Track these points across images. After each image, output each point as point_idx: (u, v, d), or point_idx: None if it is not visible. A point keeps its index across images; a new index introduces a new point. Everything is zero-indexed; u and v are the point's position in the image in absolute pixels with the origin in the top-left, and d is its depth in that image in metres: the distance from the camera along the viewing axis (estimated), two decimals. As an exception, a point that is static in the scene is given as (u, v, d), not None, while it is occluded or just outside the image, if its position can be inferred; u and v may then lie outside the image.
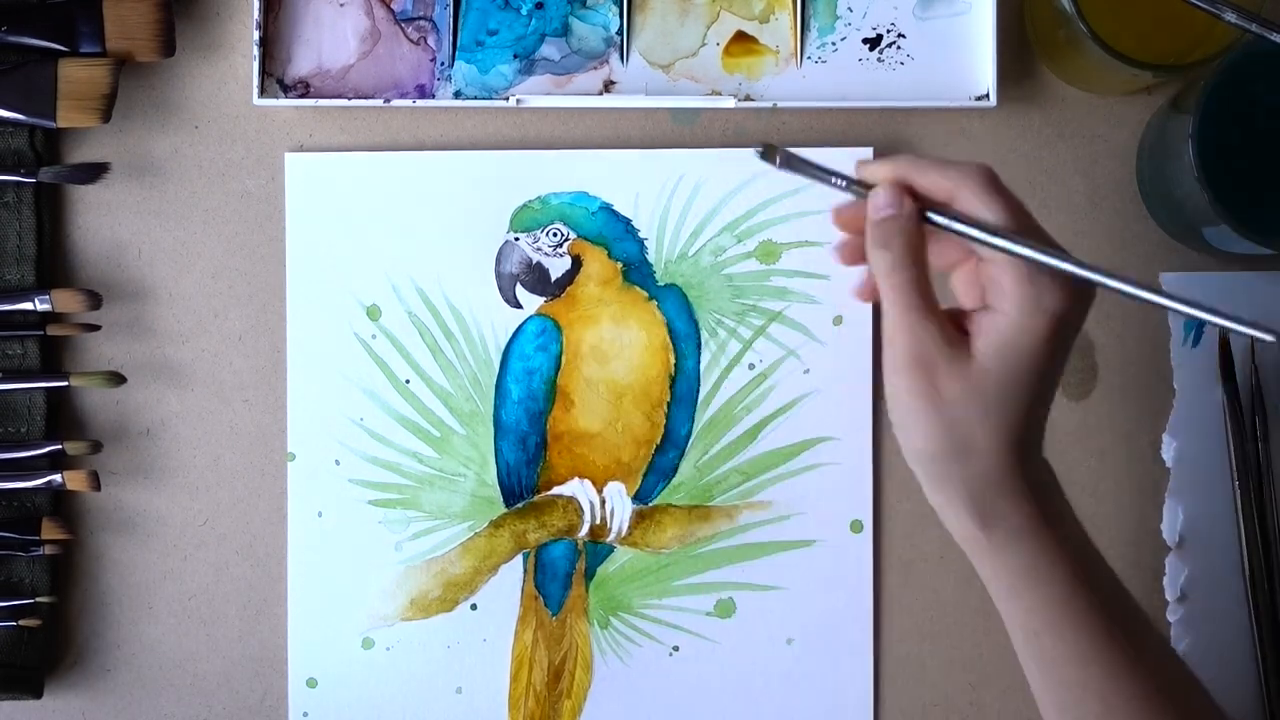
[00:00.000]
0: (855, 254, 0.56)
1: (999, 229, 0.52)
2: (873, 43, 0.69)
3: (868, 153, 0.68)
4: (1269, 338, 0.49)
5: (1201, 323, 0.69)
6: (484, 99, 0.68)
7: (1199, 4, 0.61)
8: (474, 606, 0.68)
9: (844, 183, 0.54)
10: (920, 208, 0.53)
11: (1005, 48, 0.68)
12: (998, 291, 0.52)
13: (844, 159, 0.68)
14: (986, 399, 0.52)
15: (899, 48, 0.69)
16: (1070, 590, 0.53)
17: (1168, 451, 0.69)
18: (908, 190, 0.53)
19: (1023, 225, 0.52)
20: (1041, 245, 0.52)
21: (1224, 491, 0.69)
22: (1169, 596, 0.69)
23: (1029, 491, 0.53)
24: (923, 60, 0.69)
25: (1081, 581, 0.54)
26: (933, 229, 0.53)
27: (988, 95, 0.68)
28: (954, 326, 0.53)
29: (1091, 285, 0.51)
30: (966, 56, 0.69)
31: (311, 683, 0.68)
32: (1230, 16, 0.60)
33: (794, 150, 0.53)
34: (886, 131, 0.69)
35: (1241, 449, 0.68)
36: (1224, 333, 0.69)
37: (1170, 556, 0.69)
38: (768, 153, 0.53)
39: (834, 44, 0.69)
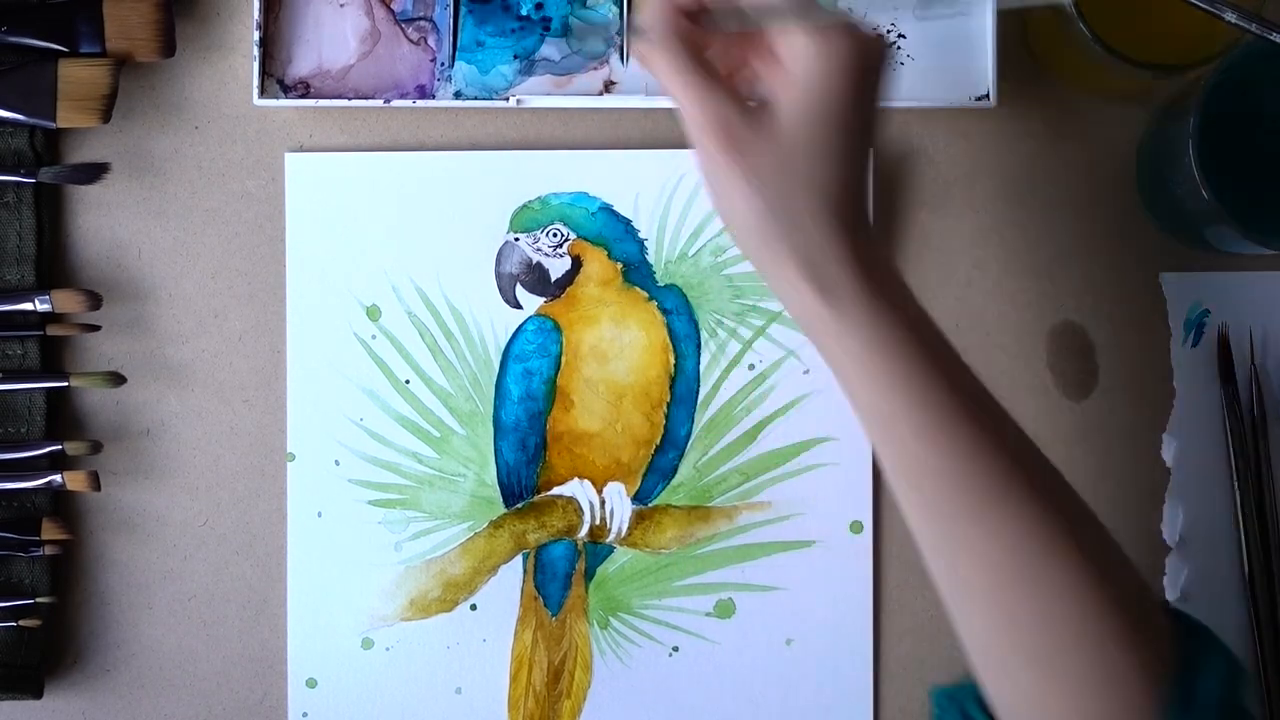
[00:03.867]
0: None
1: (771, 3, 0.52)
2: (873, 43, 0.69)
3: (867, 153, 0.68)
4: None
5: (1201, 323, 0.69)
6: (484, 99, 0.68)
7: (1199, 4, 0.60)
8: (474, 607, 0.68)
9: None
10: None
11: (1005, 48, 0.68)
12: (789, 50, 0.51)
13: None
14: (797, 163, 0.51)
15: (899, 48, 0.69)
16: (926, 366, 0.51)
17: (1168, 451, 0.69)
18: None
19: None
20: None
21: (1224, 491, 0.69)
22: (1169, 597, 0.69)
23: (862, 260, 0.51)
24: (923, 60, 0.69)
25: (935, 358, 0.52)
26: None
27: (988, 95, 0.68)
28: (746, 93, 0.52)
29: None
30: (966, 56, 0.69)
31: (311, 683, 0.68)
32: (1230, 16, 0.60)
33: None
34: (886, 132, 0.69)
35: (1241, 449, 0.68)
36: (1223, 333, 0.69)
37: (1170, 556, 0.69)
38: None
39: (834, 44, 0.69)
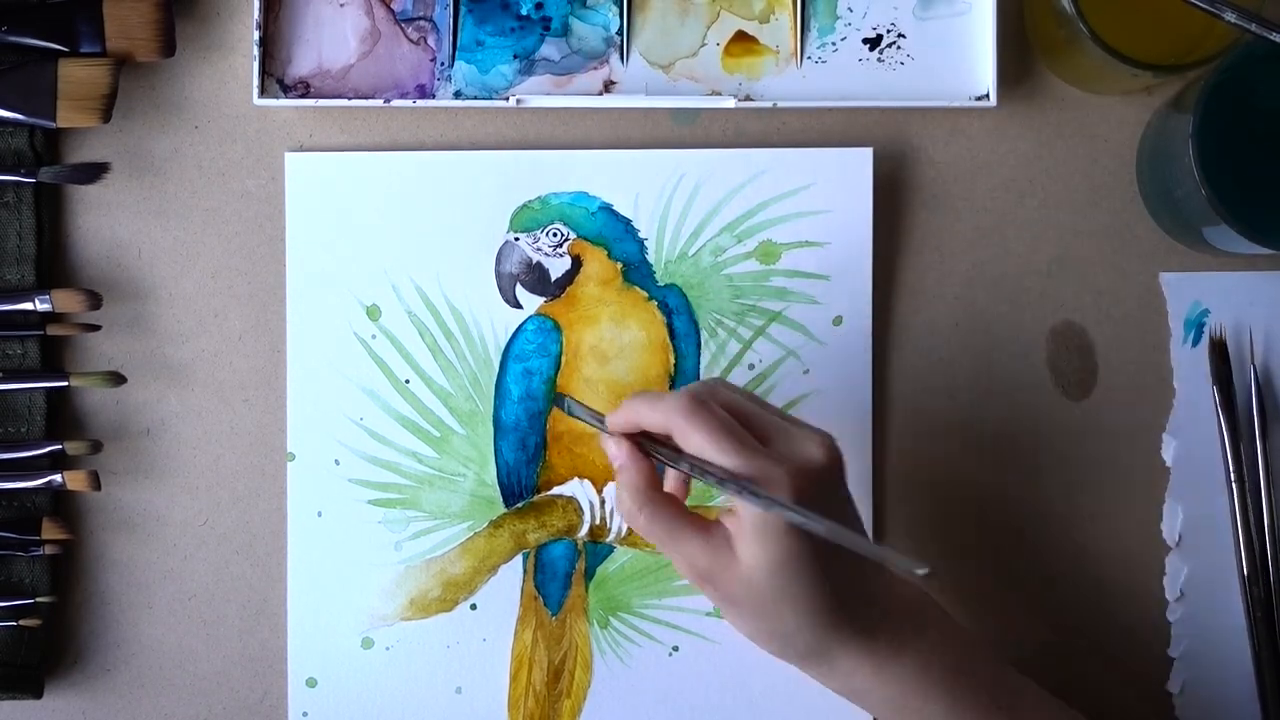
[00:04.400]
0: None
1: (694, 459, 0.55)
2: (873, 43, 0.69)
3: (867, 153, 0.68)
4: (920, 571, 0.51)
5: (1201, 323, 0.69)
6: (484, 99, 0.68)
7: (1199, 4, 0.61)
8: (474, 606, 0.68)
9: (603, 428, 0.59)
10: (640, 449, 0.58)
11: (1005, 48, 0.68)
12: (735, 500, 0.55)
13: (843, 159, 0.68)
14: (766, 597, 0.55)
15: (899, 48, 0.69)
16: (945, 709, 0.58)
17: (1168, 451, 0.69)
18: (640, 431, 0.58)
19: (734, 441, 0.55)
20: (740, 479, 0.54)
21: (1224, 491, 0.69)
22: (1169, 596, 0.69)
23: (863, 638, 0.57)
24: (923, 60, 0.69)
25: (955, 698, 0.58)
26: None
27: (988, 95, 0.68)
28: (719, 531, 0.56)
29: (770, 508, 0.54)
30: (966, 56, 0.69)
31: (311, 682, 0.68)
32: (1230, 16, 0.60)
33: (574, 402, 0.61)
34: (886, 131, 0.69)
35: (1236, 448, 0.68)
36: (1218, 335, 0.69)
37: (1170, 556, 0.69)
38: (558, 400, 0.62)
39: (834, 44, 0.69)
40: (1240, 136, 0.63)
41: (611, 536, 0.69)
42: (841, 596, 0.56)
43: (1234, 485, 0.68)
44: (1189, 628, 0.69)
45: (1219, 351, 0.69)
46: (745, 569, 0.55)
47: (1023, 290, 0.70)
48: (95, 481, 0.66)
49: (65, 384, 0.67)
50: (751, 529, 0.55)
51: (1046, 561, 0.69)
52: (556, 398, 0.64)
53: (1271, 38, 0.60)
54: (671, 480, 0.61)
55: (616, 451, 0.58)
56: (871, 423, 0.68)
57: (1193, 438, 0.69)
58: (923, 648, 0.58)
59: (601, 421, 0.59)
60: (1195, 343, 0.69)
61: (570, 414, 0.62)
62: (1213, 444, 0.69)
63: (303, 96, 0.68)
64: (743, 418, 0.57)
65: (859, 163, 0.68)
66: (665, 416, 0.56)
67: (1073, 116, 0.70)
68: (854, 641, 0.57)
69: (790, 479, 0.54)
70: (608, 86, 0.69)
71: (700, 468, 0.55)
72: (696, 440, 0.55)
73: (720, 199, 0.68)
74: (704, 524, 0.57)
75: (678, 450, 0.57)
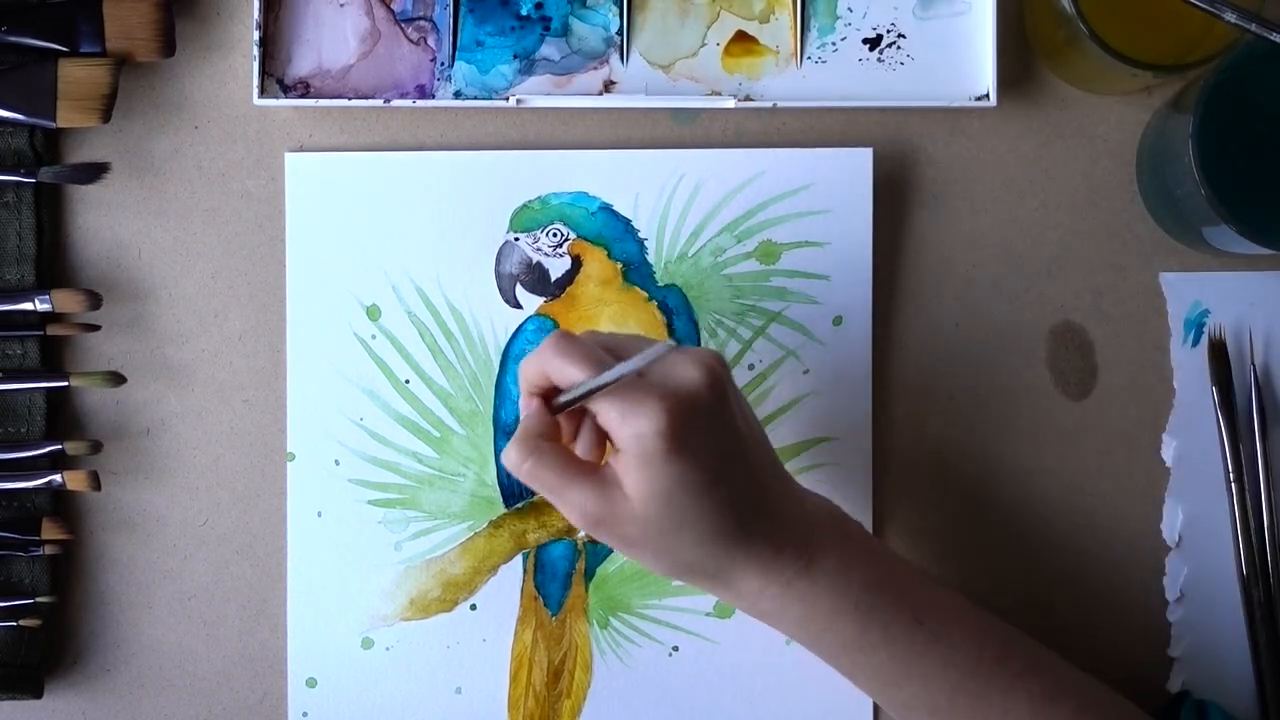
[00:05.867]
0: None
1: (577, 383, 0.55)
2: (873, 43, 0.69)
3: (868, 153, 0.68)
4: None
5: (1201, 323, 0.69)
6: (484, 99, 0.68)
7: (1199, 4, 0.61)
8: (474, 606, 0.68)
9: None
10: (546, 404, 0.57)
11: (1005, 48, 0.68)
12: (615, 435, 0.55)
13: (844, 159, 0.68)
14: (662, 527, 0.55)
15: (899, 48, 0.69)
16: (859, 626, 0.57)
17: (1168, 451, 0.69)
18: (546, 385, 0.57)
19: (600, 360, 0.55)
20: (616, 364, 0.54)
21: (1224, 491, 0.69)
22: (1169, 596, 0.69)
23: (767, 556, 0.56)
24: (923, 60, 0.69)
25: (868, 611, 0.57)
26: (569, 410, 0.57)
27: (988, 95, 0.68)
28: (608, 475, 0.56)
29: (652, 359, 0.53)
30: (966, 56, 0.69)
31: (311, 682, 0.68)
32: (1230, 16, 0.60)
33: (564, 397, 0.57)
34: (886, 132, 0.69)
35: (1236, 449, 0.68)
36: (1217, 336, 0.69)
37: (1170, 556, 0.69)
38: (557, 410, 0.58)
39: (834, 44, 0.69)
40: (1240, 136, 0.63)
41: (611, 536, 0.69)
42: (739, 516, 0.56)
43: (1234, 485, 0.68)
44: (1189, 628, 0.69)
45: (1219, 352, 0.69)
46: (637, 504, 0.54)
47: (1023, 290, 0.70)
48: (95, 481, 0.66)
49: (65, 384, 0.67)
50: (637, 461, 0.54)
51: (1046, 561, 0.69)
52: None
53: (1271, 38, 0.60)
54: (583, 445, 0.59)
55: (524, 404, 0.57)
56: (871, 423, 0.68)
57: (1193, 438, 0.69)
58: (831, 565, 0.57)
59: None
60: (1195, 343, 0.69)
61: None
62: (1213, 444, 0.69)
63: (303, 96, 0.68)
64: (617, 350, 0.57)
65: (859, 163, 0.68)
66: (539, 360, 0.56)
67: (1073, 116, 0.70)
68: (757, 561, 0.56)
69: (663, 403, 0.54)
70: (608, 86, 0.69)
71: (578, 397, 0.55)
72: (570, 371, 0.55)
73: (720, 199, 0.68)
74: (590, 468, 0.56)
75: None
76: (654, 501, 0.54)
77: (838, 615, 0.57)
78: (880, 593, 0.57)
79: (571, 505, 0.56)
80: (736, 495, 0.56)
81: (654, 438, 0.53)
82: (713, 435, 0.55)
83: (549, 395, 0.57)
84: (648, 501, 0.54)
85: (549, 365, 0.56)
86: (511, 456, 0.56)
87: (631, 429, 0.54)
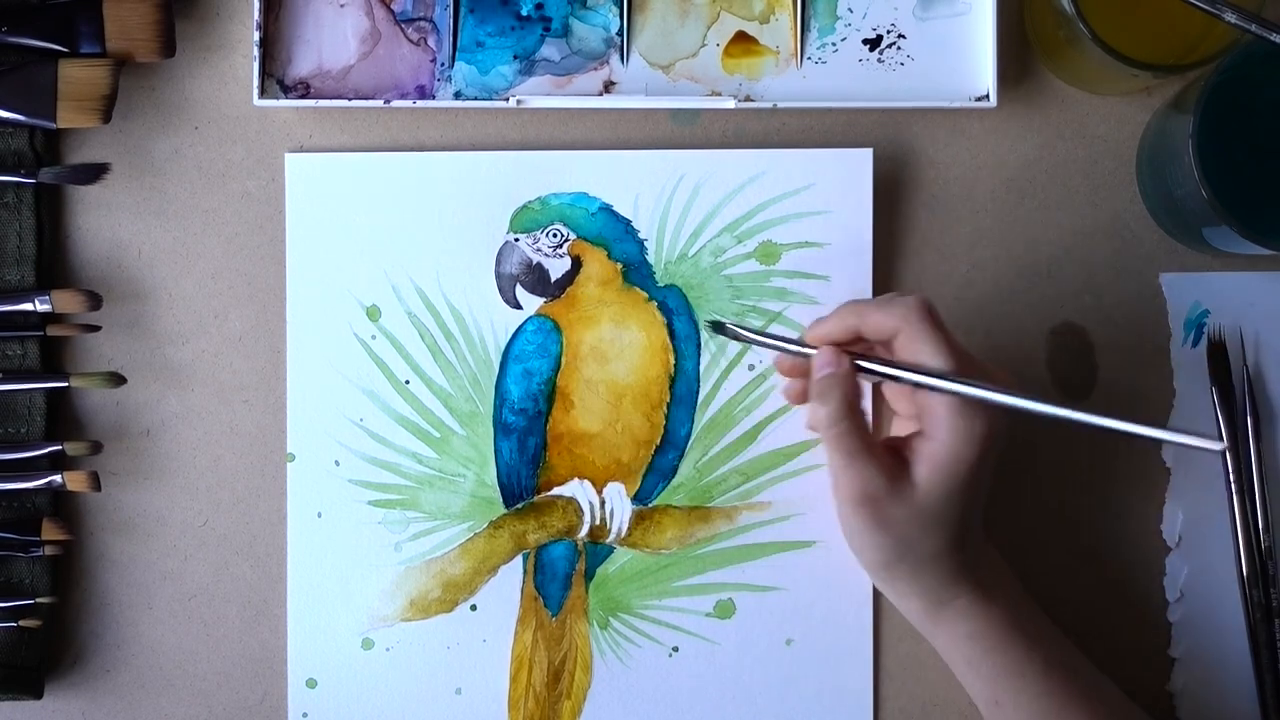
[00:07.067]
0: (799, 395, 0.65)
1: (929, 369, 0.58)
2: (873, 43, 0.69)
3: (868, 154, 0.68)
4: (1215, 447, 0.54)
5: (1201, 323, 0.69)
6: (484, 99, 0.68)
7: (1199, 4, 0.61)
8: (474, 607, 0.68)
9: (791, 346, 0.61)
10: (854, 362, 0.59)
11: (1005, 48, 0.68)
12: (933, 420, 0.58)
13: (843, 160, 0.68)
14: (926, 517, 0.59)
15: (899, 48, 0.69)
16: (1023, 654, 0.60)
17: (1168, 452, 0.69)
18: (854, 336, 0.60)
19: (956, 356, 0.58)
20: (969, 379, 0.57)
21: (1224, 491, 0.69)
22: (1169, 597, 0.69)
23: (970, 575, 0.61)
24: (923, 61, 0.69)
25: (1032, 644, 0.61)
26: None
27: (988, 95, 0.68)
28: (892, 455, 0.59)
29: (1021, 412, 0.57)
30: (966, 57, 0.69)
31: (311, 683, 0.68)
32: (1230, 16, 0.60)
33: (737, 325, 0.61)
34: (886, 132, 0.69)
35: (1236, 449, 0.68)
36: (1216, 337, 0.69)
37: (1170, 556, 0.69)
38: (717, 327, 0.62)
39: (834, 44, 0.69)
40: (1240, 137, 0.63)
41: (611, 537, 0.69)
42: (975, 529, 0.61)
43: (1234, 486, 0.68)
44: (1189, 628, 0.69)
45: (1218, 352, 0.69)
46: (920, 494, 0.58)
47: (1023, 290, 0.69)
48: (95, 482, 0.66)
49: (65, 384, 0.67)
50: (950, 457, 0.58)
51: (1047, 561, 0.69)
52: (715, 324, 0.63)
53: (1271, 38, 0.60)
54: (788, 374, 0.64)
55: (830, 360, 0.59)
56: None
57: (1193, 438, 0.69)
58: (1005, 595, 0.62)
59: (786, 340, 0.61)
60: (1195, 343, 0.69)
61: (736, 339, 0.62)
62: (1213, 444, 0.69)
63: (303, 97, 0.68)
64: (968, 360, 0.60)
65: (859, 163, 0.68)
66: (899, 318, 0.59)
67: (1073, 116, 0.70)
68: (964, 573, 0.60)
69: (993, 418, 0.59)
70: (608, 87, 0.69)
71: (924, 372, 0.57)
72: (926, 352, 0.58)
73: (720, 199, 0.68)
74: (883, 449, 0.60)
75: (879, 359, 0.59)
76: (944, 497, 0.58)
77: (1012, 643, 0.61)
78: (1036, 627, 0.62)
79: (856, 474, 0.59)
80: (979, 509, 0.61)
81: (978, 440, 0.58)
82: (997, 460, 0.60)
83: (841, 345, 0.60)
84: (932, 494, 0.58)
85: (913, 327, 0.58)
86: (822, 414, 0.59)
87: (965, 421, 0.58)
